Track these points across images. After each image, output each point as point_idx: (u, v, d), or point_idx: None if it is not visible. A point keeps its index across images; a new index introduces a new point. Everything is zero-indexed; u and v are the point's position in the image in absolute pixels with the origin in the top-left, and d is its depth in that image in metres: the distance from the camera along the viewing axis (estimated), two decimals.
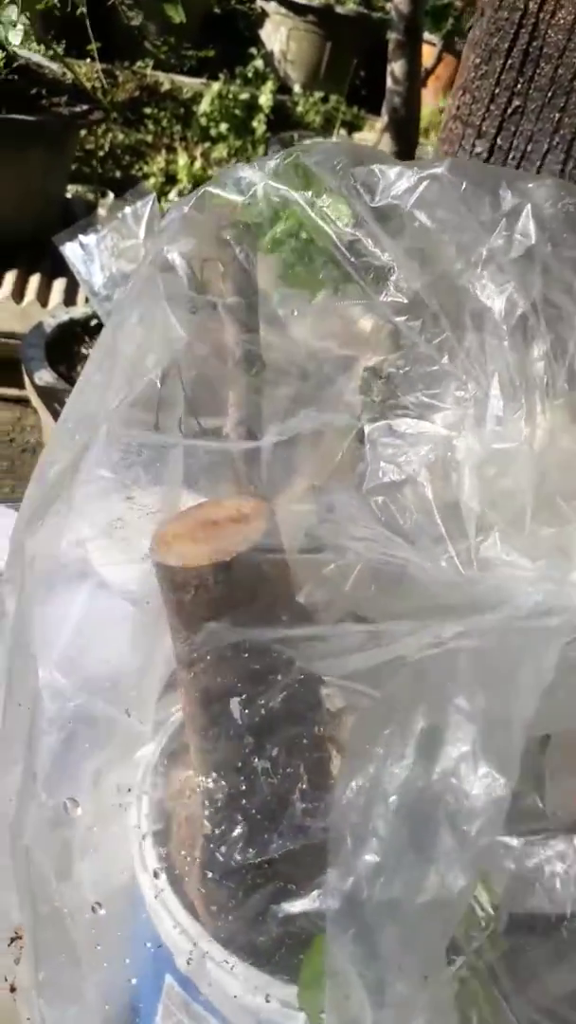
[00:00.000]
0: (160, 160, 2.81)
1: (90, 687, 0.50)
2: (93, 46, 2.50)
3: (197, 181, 2.57)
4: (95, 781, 0.52)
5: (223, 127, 2.94)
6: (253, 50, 3.34)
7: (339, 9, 3.47)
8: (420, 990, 0.39)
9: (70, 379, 1.64)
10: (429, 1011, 0.40)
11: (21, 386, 1.71)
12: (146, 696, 0.54)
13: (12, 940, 0.56)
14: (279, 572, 0.51)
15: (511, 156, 0.77)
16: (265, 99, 3.00)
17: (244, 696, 0.46)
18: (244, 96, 3.00)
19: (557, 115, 0.74)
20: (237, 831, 0.46)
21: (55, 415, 1.56)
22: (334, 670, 0.45)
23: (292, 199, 0.54)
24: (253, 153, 2.87)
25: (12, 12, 1.99)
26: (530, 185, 0.53)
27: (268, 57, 3.42)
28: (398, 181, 0.53)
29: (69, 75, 2.23)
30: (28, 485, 0.58)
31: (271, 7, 3.55)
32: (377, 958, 0.39)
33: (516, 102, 0.76)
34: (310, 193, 0.54)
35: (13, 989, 0.56)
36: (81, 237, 1.49)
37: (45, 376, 1.62)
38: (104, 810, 0.53)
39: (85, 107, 2.12)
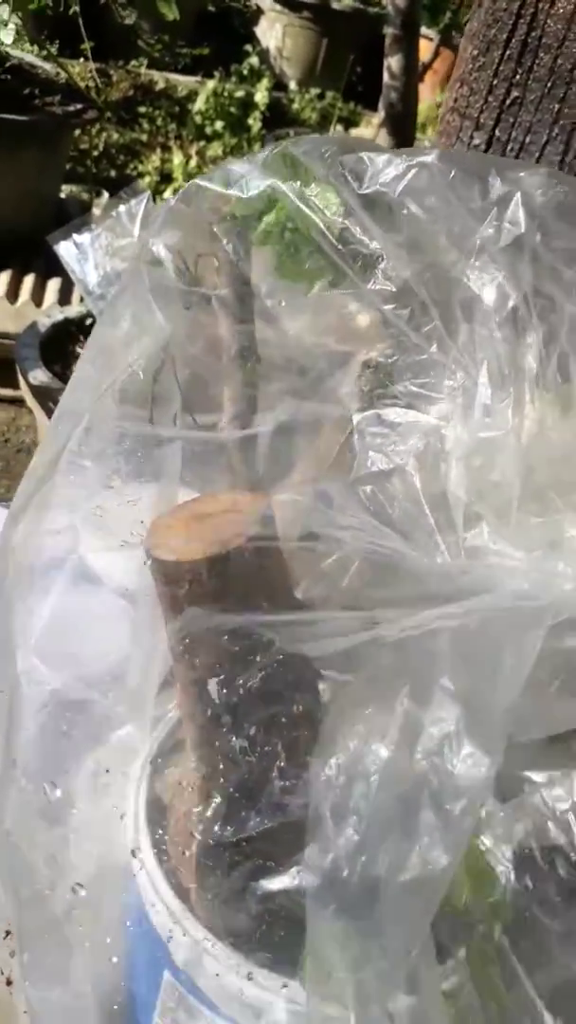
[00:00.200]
0: (155, 159, 2.80)
1: (71, 674, 0.51)
2: (86, 45, 2.49)
3: (193, 180, 2.55)
4: (74, 764, 0.52)
5: (218, 125, 2.93)
6: (248, 47, 3.33)
7: (335, 5, 3.46)
8: (403, 966, 0.40)
9: (65, 378, 1.63)
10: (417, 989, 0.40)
11: (16, 386, 1.70)
12: (144, 690, 0.54)
13: (8, 933, 0.56)
14: (274, 566, 0.50)
15: (509, 148, 0.76)
16: (261, 96, 2.99)
17: (222, 677, 0.46)
18: (239, 94, 2.98)
19: (556, 106, 0.73)
20: (215, 809, 0.47)
21: (50, 415, 1.56)
22: (314, 651, 0.44)
23: (280, 190, 0.54)
24: (249, 151, 2.86)
25: (4, 11, 1.98)
26: (520, 174, 0.52)
27: (263, 54, 3.41)
28: (387, 168, 0.52)
29: (62, 75, 2.22)
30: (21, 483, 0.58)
31: (266, 3, 3.54)
32: (359, 935, 0.40)
33: (515, 93, 0.74)
34: (298, 183, 0.53)
35: (10, 982, 0.57)
36: (75, 236, 1.48)
37: (40, 376, 1.61)
38: (84, 792, 0.53)
39: (79, 106, 2.11)
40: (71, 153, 2.51)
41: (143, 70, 3.12)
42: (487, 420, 0.47)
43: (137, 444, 0.53)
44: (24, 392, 1.64)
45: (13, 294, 2.00)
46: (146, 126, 2.96)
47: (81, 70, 2.75)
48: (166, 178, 2.69)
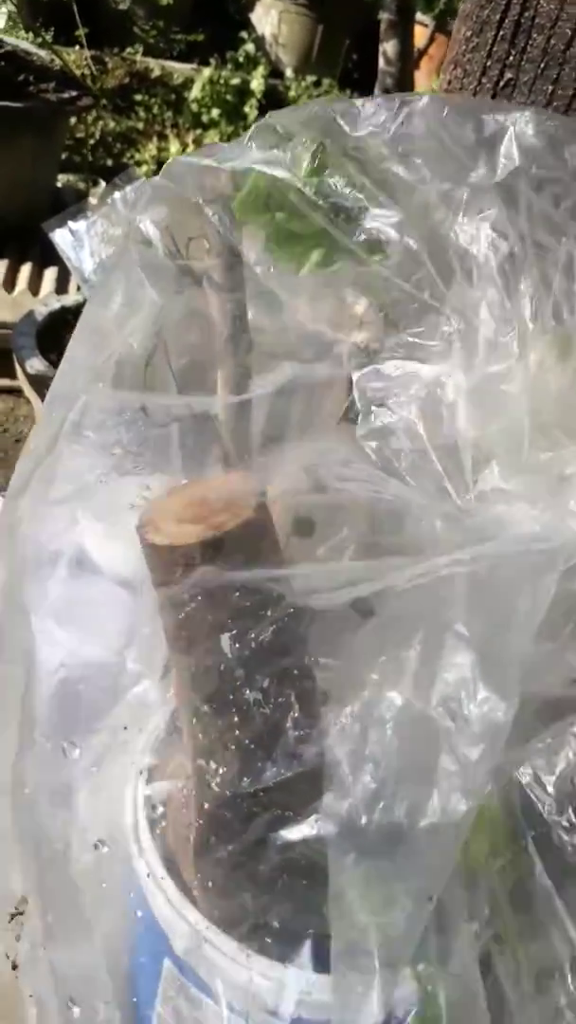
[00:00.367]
0: (151, 147, 2.79)
1: (86, 634, 0.51)
2: (81, 32, 2.48)
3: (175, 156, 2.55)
4: (92, 722, 0.53)
5: (215, 113, 2.92)
6: (244, 34, 3.31)
7: None
8: (427, 908, 0.40)
9: None
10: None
11: (13, 376, 1.70)
12: (155, 644, 0.54)
13: (13, 916, 0.56)
14: (269, 549, 0.50)
15: None
16: (257, 84, 2.97)
17: (235, 632, 0.46)
18: (235, 81, 2.97)
19: (550, 87, 0.72)
20: (231, 762, 0.47)
21: None
22: (324, 603, 0.44)
23: (255, 158, 0.53)
24: None
25: None
26: (512, 113, 0.52)
27: (259, 41, 3.39)
28: (378, 112, 0.51)
29: (57, 62, 2.21)
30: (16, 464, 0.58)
31: None
32: (381, 880, 0.40)
33: (508, 74, 0.74)
34: (273, 151, 0.53)
35: (15, 967, 0.56)
36: (71, 223, 1.47)
37: (37, 365, 1.61)
38: (102, 750, 0.54)
39: (74, 94, 2.10)
40: (67, 142, 2.50)
41: (138, 57, 3.10)
42: (491, 357, 0.47)
43: (137, 415, 0.53)
44: (21, 382, 1.63)
45: (10, 283, 1.99)
46: (142, 114, 2.94)
47: (76, 57, 2.74)
48: (163, 166, 2.68)
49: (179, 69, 3.12)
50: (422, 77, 3.00)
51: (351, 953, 0.41)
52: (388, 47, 2.07)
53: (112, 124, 2.85)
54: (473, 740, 0.39)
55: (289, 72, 3.40)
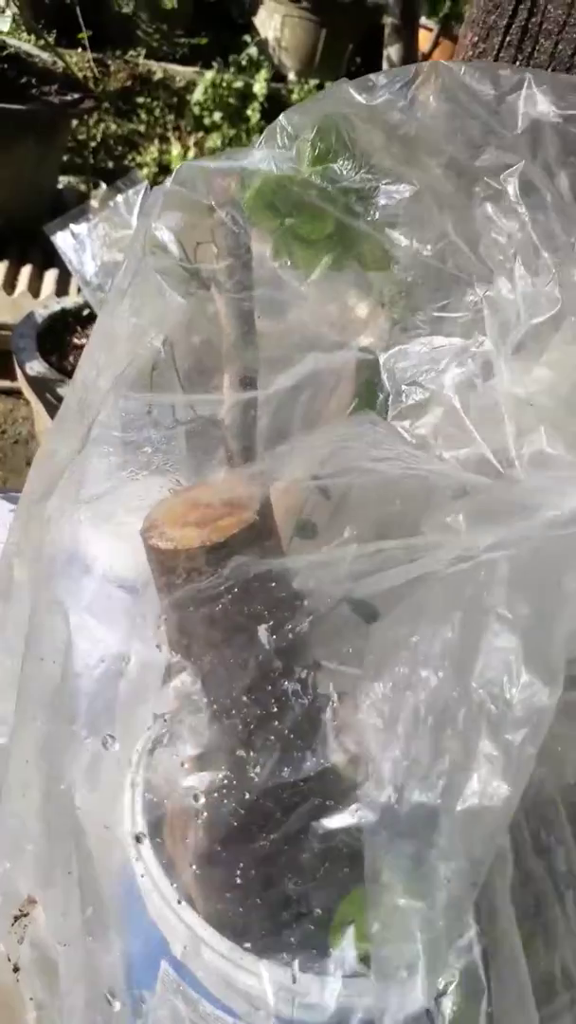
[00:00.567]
0: (153, 150, 2.79)
1: (123, 628, 0.51)
2: (84, 34, 2.48)
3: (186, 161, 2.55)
4: (130, 715, 0.53)
5: (217, 116, 2.92)
6: (247, 37, 3.31)
7: None
8: (470, 894, 0.39)
9: (62, 369, 1.62)
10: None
11: (13, 377, 1.69)
12: None
13: (16, 919, 0.55)
14: (274, 552, 0.49)
15: None
16: (259, 87, 2.97)
17: (271, 623, 0.46)
18: (238, 84, 2.97)
19: None
20: (272, 752, 0.46)
21: (47, 405, 1.55)
22: (362, 590, 0.43)
23: (262, 157, 0.53)
24: (248, 142, 2.84)
25: None
26: (527, 73, 0.51)
27: (262, 44, 3.38)
28: (396, 78, 0.51)
29: (60, 64, 2.20)
30: (29, 471, 0.58)
31: None
32: (420, 864, 0.39)
33: None
34: (277, 149, 0.52)
35: (17, 969, 0.56)
36: (72, 226, 1.47)
37: (36, 366, 1.60)
38: (140, 742, 0.54)
39: (76, 96, 2.10)
40: (69, 144, 2.50)
41: (141, 60, 3.10)
42: (532, 310, 0.45)
43: (163, 414, 0.53)
44: (21, 383, 1.63)
45: (10, 285, 1.99)
46: (144, 117, 2.94)
47: (79, 60, 2.74)
48: (164, 169, 2.67)
49: (182, 72, 3.12)
50: None
51: (393, 939, 0.40)
52: (392, 52, 2.07)
53: (114, 127, 2.85)
54: (516, 724, 0.38)
55: (292, 76, 3.40)
